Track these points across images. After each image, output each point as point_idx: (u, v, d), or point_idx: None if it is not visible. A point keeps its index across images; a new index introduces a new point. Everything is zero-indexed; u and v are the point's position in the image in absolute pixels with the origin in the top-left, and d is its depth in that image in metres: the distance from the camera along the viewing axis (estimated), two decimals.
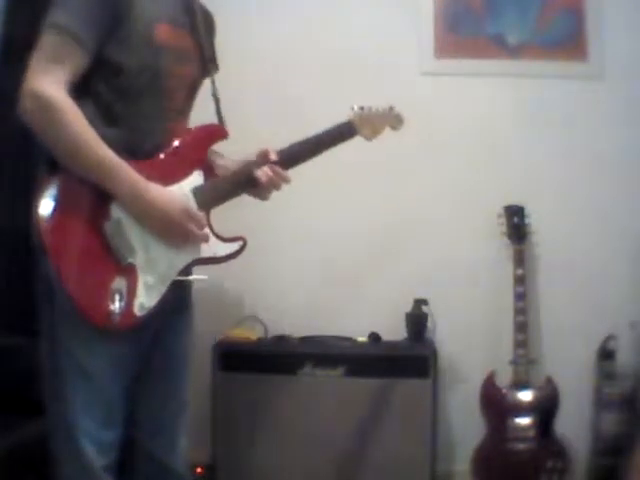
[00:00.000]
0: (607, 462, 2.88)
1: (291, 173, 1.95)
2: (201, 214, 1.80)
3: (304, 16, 3.15)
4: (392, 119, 2.11)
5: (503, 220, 3.03)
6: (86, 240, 1.68)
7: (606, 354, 2.98)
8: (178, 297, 1.87)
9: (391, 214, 3.11)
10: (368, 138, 2.07)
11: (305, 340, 3.01)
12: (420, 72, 3.13)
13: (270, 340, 3.03)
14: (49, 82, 1.62)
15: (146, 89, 1.75)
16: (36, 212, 1.65)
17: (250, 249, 1.88)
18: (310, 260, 3.15)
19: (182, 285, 1.86)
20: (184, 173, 1.82)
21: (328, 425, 2.83)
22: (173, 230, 1.75)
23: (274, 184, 1.90)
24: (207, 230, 1.83)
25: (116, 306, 1.67)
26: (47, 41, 1.65)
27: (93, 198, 1.68)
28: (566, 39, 3.11)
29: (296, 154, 1.94)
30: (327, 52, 3.12)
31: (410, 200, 3.10)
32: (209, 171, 1.90)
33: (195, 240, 1.80)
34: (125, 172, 1.68)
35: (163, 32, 1.76)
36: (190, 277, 1.87)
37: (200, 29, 1.92)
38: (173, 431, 1.95)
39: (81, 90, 1.69)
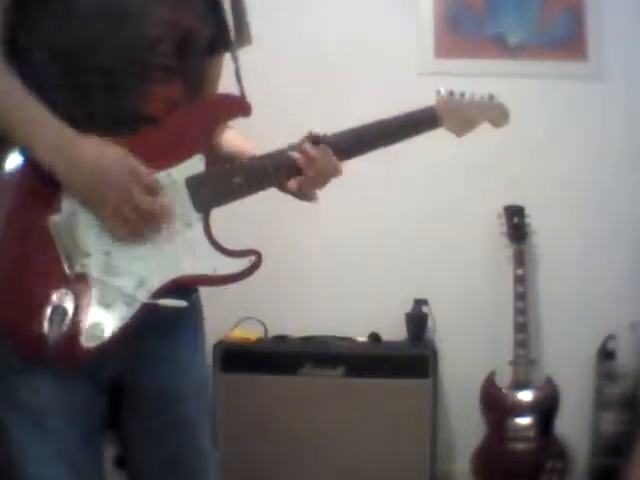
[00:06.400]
0: (607, 462, 2.88)
1: None
2: (154, 178, 1.25)
3: (304, 16, 3.15)
4: (493, 112, 1.61)
5: (503, 220, 3.03)
6: (23, 239, 1.22)
7: (606, 354, 2.98)
8: (171, 314, 1.29)
9: (391, 214, 3.11)
10: (457, 133, 1.57)
11: (305, 340, 3.01)
12: (420, 72, 3.13)
13: (270, 340, 3.03)
14: None
15: (109, 36, 1.26)
16: None
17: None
18: (310, 260, 3.15)
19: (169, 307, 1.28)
20: (179, 156, 1.29)
21: (328, 425, 2.83)
22: (108, 194, 1.21)
23: (320, 170, 1.37)
24: (169, 207, 1.26)
25: (54, 330, 1.17)
26: None
27: (37, 186, 1.23)
28: (566, 39, 3.11)
29: (352, 141, 1.45)
30: (327, 52, 3.12)
31: (410, 200, 3.09)
32: (215, 157, 1.35)
33: (145, 217, 1.23)
34: (49, 120, 1.22)
35: None
36: (162, 301, 1.26)
37: None
38: None
39: (20, 43, 1.26)
